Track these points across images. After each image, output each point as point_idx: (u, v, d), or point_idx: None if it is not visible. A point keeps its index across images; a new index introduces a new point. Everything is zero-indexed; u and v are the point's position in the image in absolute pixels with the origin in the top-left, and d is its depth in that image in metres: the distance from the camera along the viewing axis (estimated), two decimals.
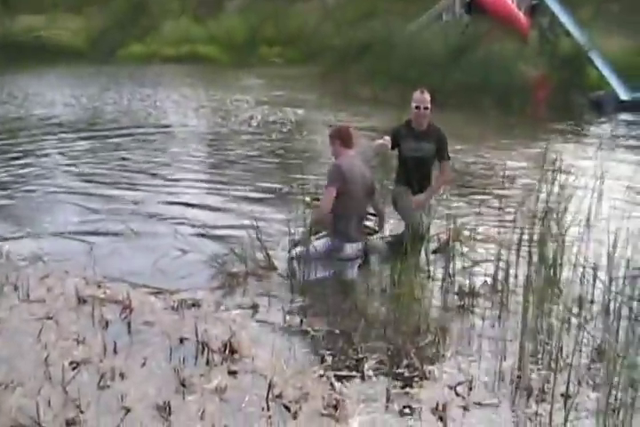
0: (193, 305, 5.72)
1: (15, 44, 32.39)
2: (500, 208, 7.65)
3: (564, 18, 24.15)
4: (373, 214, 7.35)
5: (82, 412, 4.09)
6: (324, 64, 24.47)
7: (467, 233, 7.25)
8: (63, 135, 14.12)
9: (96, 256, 6.75)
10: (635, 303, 5.53)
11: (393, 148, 7.16)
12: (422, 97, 7.11)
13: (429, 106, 7.12)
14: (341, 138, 6.65)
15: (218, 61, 31.67)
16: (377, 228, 7.17)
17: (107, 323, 5.35)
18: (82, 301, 5.70)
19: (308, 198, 7.33)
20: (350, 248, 6.49)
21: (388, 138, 6.95)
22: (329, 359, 4.86)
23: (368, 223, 7.18)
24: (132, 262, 6.73)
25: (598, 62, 21.90)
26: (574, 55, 21.30)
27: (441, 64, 20.28)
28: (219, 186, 10.07)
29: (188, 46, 32.65)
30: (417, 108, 7.09)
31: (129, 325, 5.33)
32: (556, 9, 24.51)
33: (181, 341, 5.06)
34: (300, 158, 11.93)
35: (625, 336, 5.02)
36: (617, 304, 5.45)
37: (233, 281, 6.31)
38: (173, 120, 16.44)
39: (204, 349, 4.90)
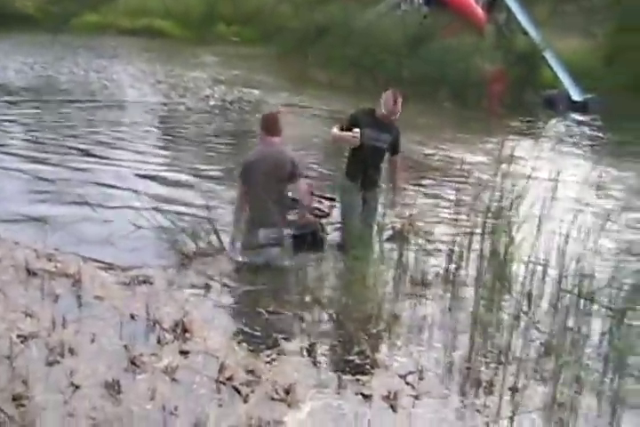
0: (144, 282, 5.66)
1: None
2: (454, 201, 7.69)
3: (520, 15, 24.39)
4: (325, 197, 7.36)
5: (29, 388, 4.01)
6: (281, 45, 24.34)
7: (421, 224, 7.29)
8: (16, 102, 13.81)
9: (48, 228, 6.63)
10: (582, 301, 5.61)
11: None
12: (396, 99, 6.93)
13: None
14: (264, 125, 6.58)
15: (174, 36, 31.25)
16: (327, 211, 7.17)
17: (56, 296, 5.25)
18: (32, 273, 5.58)
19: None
20: (264, 234, 6.38)
21: (357, 130, 6.80)
22: (281, 343, 4.85)
23: (319, 206, 7.17)
24: (84, 235, 6.63)
25: (553, 62, 22.20)
26: (530, 53, 21.55)
27: (398, 53, 20.34)
28: (174, 162, 9.97)
29: (144, 19, 32.10)
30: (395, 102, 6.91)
31: (79, 299, 5.24)
32: (513, 6, 24.74)
33: (132, 317, 5.00)
34: (255, 139, 11.86)
35: (572, 333, 5.11)
36: (566, 301, 5.53)
37: (185, 260, 6.26)
38: (129, 94, 16.21)
39: (154, 327, 4.85)
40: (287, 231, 6.47)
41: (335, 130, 6.92)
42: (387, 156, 7.09)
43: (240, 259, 6.30)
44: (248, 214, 6.45)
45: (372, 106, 6.97)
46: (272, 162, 6.41)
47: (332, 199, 7.39)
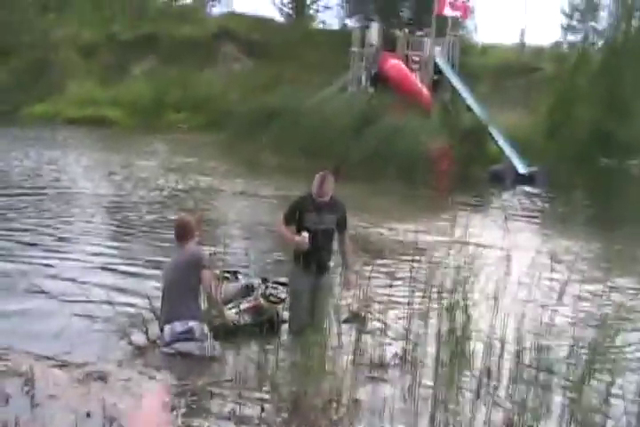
0: (99, 378, 5.54)
1: None
2: (409, 280, 7.73)
3: (464, 93, 25.13)
4: (280, 283, 7.34)
5: None
6: (230, 131, 24.66)
7: (376, 304, 7.29)
8: None
9: None
10: (541, 374, 5.62)
11: (293, 220, 6.89)
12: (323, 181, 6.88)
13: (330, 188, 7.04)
14: (175, 233, 6.60)
15: (123, 125, 31.51)
16: (282, 296, 7.14)
17: (7, 397, 5.11)
18: None
19: (217, 271, 7.24)
20: (168, 330, 6.31)
21: (306, 235, 6.79)
22: None
23: (274, 291, 7.15)
24: (35, 333, 6.50)
25: (497, 136, 22.78)
26: (475, 129, 22.08)
27: (346, 135, 20.70)
28: (125, 253, 9.91)
29: (92, 108, 32.39)
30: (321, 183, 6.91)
31: (32, 399, 5.11)
32: (457, 84, 25.49)
33: (88, 415, 4.88)
34: (206, 228, 11.88)
35: (533, 406, 5.10)
36: (525, 375, 5.53)
37: (137, 353, 6.18)
38: (82, 186, 16.18)
39: (111, 424, 4.73)
40: (195, 323, 6.23)
41: (281, 225, 6.93)
42: (335, 235, 7.11)
43: (167, 351, 6.20)
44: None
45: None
46: (176, 264, 6.45)
47: (286, 284, 7.37)
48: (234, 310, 6.77)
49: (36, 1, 42.24)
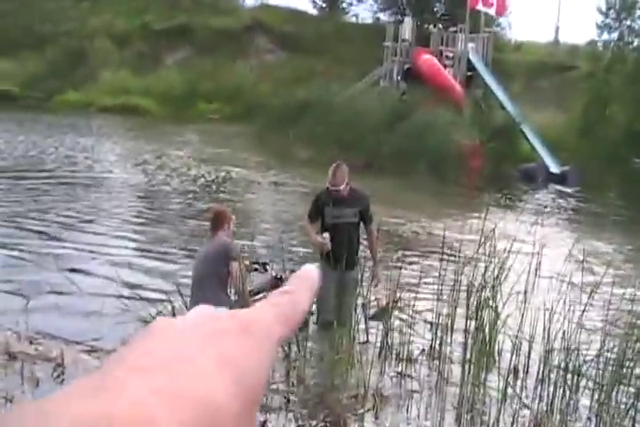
0: None
1: None
2: (438, 276, 7.71)
3: (497, 90, 24.98)
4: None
5: None
6: (261, 123, 24.69)
7: (405, 300, 7.27)
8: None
9: (30, 310, 6.56)
10: (569, 375, 5.59)
11: (317, 217, 6.91)
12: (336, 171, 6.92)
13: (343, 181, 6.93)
14: (210, 223, 6.66)
15: (155, 114, 31.68)
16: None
17: (37, 381, 5.16)
18: (12, 357, 5.50)
19: (247, 261, 7.28)
20: None
21: (326, 235, 6.78)
22: (268, 426, 4.78)
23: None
24: (66, 318, 6.58)
25: (530, 135, 22.62)
26: (507, 127, 21.94)
27: (377, 129, 20.66)
28: (151, 245, 9.97)
29: (125, 97, 32.61)
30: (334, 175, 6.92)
31: (62, 383, 5.16)
32: (490, 81, 25.34)
33: None
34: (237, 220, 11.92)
35: (560, 408, 5.07)
36: (553, 375, 5.50)
37: None
38: (115, 175, 16.28)
39: None
40: None
41: (307, 223, 6.94)
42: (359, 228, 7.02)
43: None
44: None
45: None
46: (203, 252, 6.49)
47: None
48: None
49: None
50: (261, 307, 0.48)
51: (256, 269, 7.37)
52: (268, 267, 7.54)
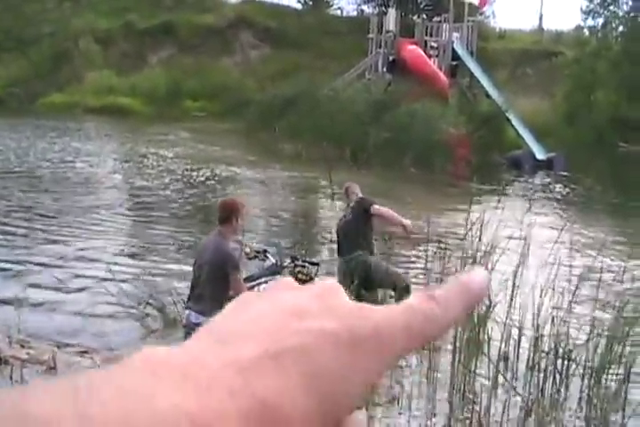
0: None
1: None
2: (425, 265, 7.74)
3: (482, 79, 25.01)
4: (309, 262, 7.39)
5: None
6: (248, 119, 24.68)
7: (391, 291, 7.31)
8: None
9: (21, 314, 6.56)
10: (559, 361, 5.62)
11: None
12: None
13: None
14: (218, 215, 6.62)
15: (140, 113, 31.62)
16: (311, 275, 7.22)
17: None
18: (3, 361, 5.50)
19: (248, 249, 7.34)
20: (187, 315, 6.38)
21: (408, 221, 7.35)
22: None
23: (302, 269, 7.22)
24: (58, 320, 6.60)
25: (516, 123, 22.68)
26: (493, 115, 21.99)
27: (363, 122, 20.68)
28: (143, 245, 9.98)
29: (110, 98, 32.54)
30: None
31: None
32: (475, 70, 25.37)
33: None
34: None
35: (551, 394, 5.10)
36: (543, 362, 5.53)
37: (154, 337, 6.26)
38: (103, 174, 16.26)
39: None
40: (205, 319, 6.25)
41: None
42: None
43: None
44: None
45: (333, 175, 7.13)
46: (207, 254, 6.45)
47: (315, 264, 7.43)
48: (262, 287, 6.81)
49: None
50: (391, 310, 0.38)
51: (256, 257, 7.43)
52: (268, 254, 7.57)
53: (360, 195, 7.63)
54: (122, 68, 35.48)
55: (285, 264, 7.32)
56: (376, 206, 7.53)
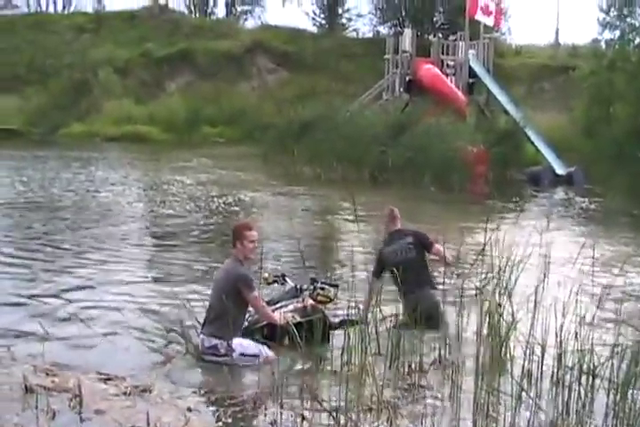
0: (144, 391, 5.62)
1: None
2: (444, 284, 7.74)
3: (500, 95, 25.02)
4: (329, 284, 7.41)
5: None
6: (266, 143, 24.82)
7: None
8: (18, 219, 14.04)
9: (46, 342, 6.62)
10: (584, 377, 5.58)
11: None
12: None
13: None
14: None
15: (160, 141, 31.89)
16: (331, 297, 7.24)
17: (54, 413, 5.19)
18: (29, 390, 5.53)
19: (266, 274, 7.40)
20: (201, 340, 6.48)
21: None
22: None
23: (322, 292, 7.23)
24: (82, 348, 6.67)
25: (534, 138, 22.64)
26: (511, 131, 21.96)
27: (382, 142, 20.74)
28: (164, 272, 10.06)
29: (129, 126, 32.90)
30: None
31: (79, 414, 5.20)
32: (493, 87, 25.39)
33: None
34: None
35: (576, 410, 5.06)
36: (567, 377, 5.49)
37: (179, 364, 6.31)
38: (124, 203, 16.38)
39: None
40: (218, 342, 6.38)
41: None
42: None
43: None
44: None
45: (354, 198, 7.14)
46: (220, 278, 6.58)
47: (335, 286, 7.44)
48: (282, 311, 6.84)
49: (72, 23, 43.03)
50: None
51: (275, 282, 7.49)
52: (287, 278, 7.62)
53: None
54: (140, 96, 35.88)
55: (305, 287, 7.35)
56: (436, 246, 7.85)
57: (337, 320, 7.08)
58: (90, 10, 47.48)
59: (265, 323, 6.75)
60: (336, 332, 6.98)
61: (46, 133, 32.78)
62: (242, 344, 6.43)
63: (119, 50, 39.20)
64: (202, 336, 6.42)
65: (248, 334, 6.65)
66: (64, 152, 27.56)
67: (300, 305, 7.02)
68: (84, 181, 19.91)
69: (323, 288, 7.36)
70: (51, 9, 49.30)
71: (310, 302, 7.07)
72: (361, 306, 6.77)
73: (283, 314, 6.72)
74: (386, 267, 7.60)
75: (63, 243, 11.88)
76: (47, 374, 5.88)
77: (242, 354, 6.34)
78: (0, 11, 46.59)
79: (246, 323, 6.75)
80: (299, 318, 6.71)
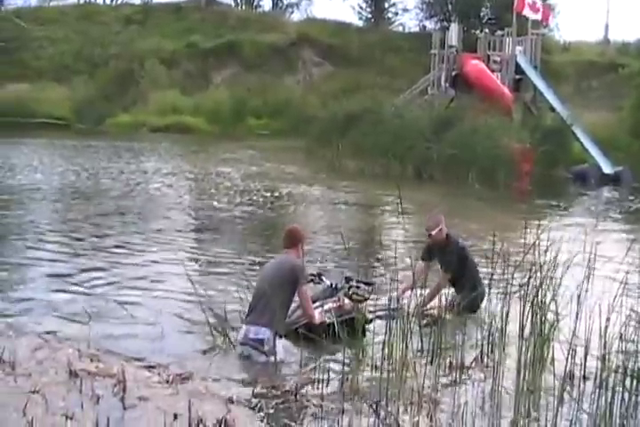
0: (186, 379, 5.68)
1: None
2: (489, 283, 7.69)
3: (546, 92, 24.74)
4: (364, 282, 7.40)
5: None
6: (311, 136, 24.83)
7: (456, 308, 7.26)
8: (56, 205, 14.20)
9: (92, 327, 6.71)
10: (628, 379, 5.51)
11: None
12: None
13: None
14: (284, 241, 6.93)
15: (205, 132, 32.07)
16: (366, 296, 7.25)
17: (98, 398, 5.27)
18: (74, 374, 5.62)
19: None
20: (244, 331, 6.47)
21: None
22: None
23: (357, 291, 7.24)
24: (127, 335, 6.78)
25: (581, 136, 22.36)
26: (558, 129, 21.71)
27: (426, 138, 20.64)
28: (210, 264, 10.12)
29: (175, 117, 33.13)
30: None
31: (122, 400, 5.26)
32: (540, 84, 25.12)
33: (175, 417, 4.99)
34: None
35: (620, 413, 5.00)
36: (611, 379, 5.43)
37: (221, 354, 6.39)
38: (171, 195, 16.50)
39: (198, 425, 4.84)
40: (267, 336, 6.35)
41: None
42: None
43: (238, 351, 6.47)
44: None
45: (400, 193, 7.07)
46: (273, 268, 6.65)
47: (370, 284, 7.44)
48: (318, 310, 6.87)
49: (119, 14, 43.47)
50: None
51: (312, 280, 7.51)
52: (323, 277, 7.64)
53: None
54: (186, 87, 36.10)
55: (340, 286, 7.36)
56: None
57: (375, 315, 7.11)
58: (137, 1, 47.97)
59: (303, 323, 6.78)
60: (376, 326, 7.00)
61: (94, 123, 33.15)
62: (286, 350, 6.45)
63: (165, 41, 39.47)
64: (246, 327, 6.45)
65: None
66: (114, 142, 27.86)
67: (335, 305, 7.06)
68: (134, 171, 20.06)
69: (358, 286, 7.37)
70: (99, 0, 49.92)
71: (346, 301, 7.11)
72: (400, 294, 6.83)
73: (320, 314, 6.78)
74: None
75: (111, 231, 12.02)
76: (91, 360, 5.97)
77: (281, 361, 6.34)
78: (50, 1, 47.23)
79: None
80: (335, 318, 6.72)
